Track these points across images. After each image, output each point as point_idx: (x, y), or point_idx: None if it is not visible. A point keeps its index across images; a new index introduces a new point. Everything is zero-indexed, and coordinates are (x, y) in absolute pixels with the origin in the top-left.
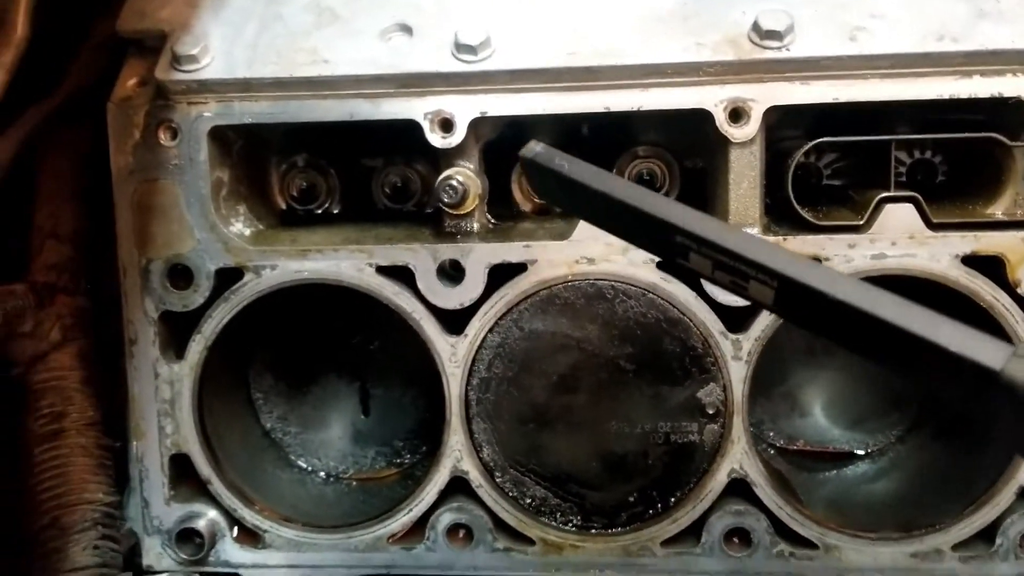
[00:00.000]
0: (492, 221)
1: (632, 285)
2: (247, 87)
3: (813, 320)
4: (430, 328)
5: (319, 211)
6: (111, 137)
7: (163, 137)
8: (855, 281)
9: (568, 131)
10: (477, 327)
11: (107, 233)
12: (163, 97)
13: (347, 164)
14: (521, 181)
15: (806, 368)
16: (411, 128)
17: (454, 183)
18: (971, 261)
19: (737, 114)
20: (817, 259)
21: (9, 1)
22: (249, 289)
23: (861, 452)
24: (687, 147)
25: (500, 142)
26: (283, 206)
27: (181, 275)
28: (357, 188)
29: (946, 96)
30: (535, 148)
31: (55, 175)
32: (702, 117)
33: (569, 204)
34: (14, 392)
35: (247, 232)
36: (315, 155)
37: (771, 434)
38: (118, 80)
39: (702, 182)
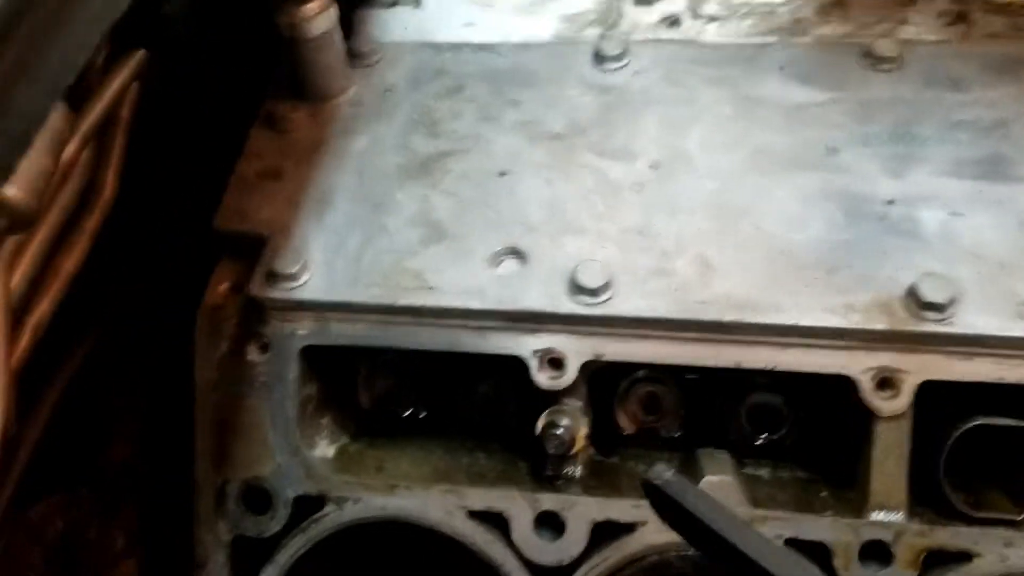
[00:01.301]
0: (596, 457)
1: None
2: (347, 309)
3: None
4: None
5: (405, 414)
6: (197, 346)
7: (252, 352)
8: None
9: None
10: None
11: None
12: (256, 311)
13: (438, 368)
14: (625, 404)
15: None
16: (516, 362)
17: (559, 432)
18: None
19: (886, 384)
20: (967, 554)
21: (101, 161)
22: (330, 521)
23: None
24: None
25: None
26: (367, 406)
27: (258, 499)
28: (447, 393)
29: None
30: (664, 475)
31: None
32: (844, 383)
33: (692, 539)
34: None
35: (330, 453)
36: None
37: None
38: (209, 284)
39: (838, 424)
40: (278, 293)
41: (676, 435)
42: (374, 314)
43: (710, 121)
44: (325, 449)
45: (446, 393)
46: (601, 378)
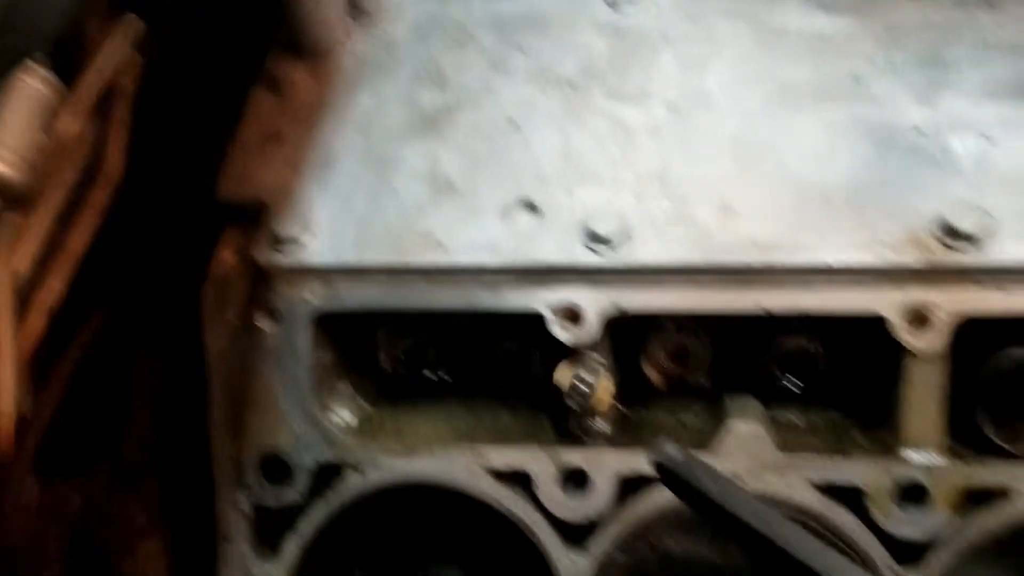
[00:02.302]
0: (622, 410)
1: (786, 508)
2: (355, 272)
3: None
4: (549, 542)
5: (427, 377)
6: (205, 318)
7: (262, 321)
8: None
9: None
10: (603, 544)
11: (197, 412)
12: (262, 278)
13: (460, 328)
14: (652, 356)
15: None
16: (537, 318)
17: (582, 389)
18: None
19: (920, 321)
20: (1007, 491)
21: (105, 135)
22: (351, 488)
23: None
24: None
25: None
26: (389, 370)
27: (277, 469)
28: (470, 353)
29: None
30: (668, 451)
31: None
32: (876, 322)
33: (703, 513)
34: None
35: (349, 420)
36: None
37: None
38: (215, 254)
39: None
40: (283, 258)
41: (706, 384)
42: (383, 276)
43: (729, 57)
44: (344, 416)
45: (470, 354)
46: (626, 329)
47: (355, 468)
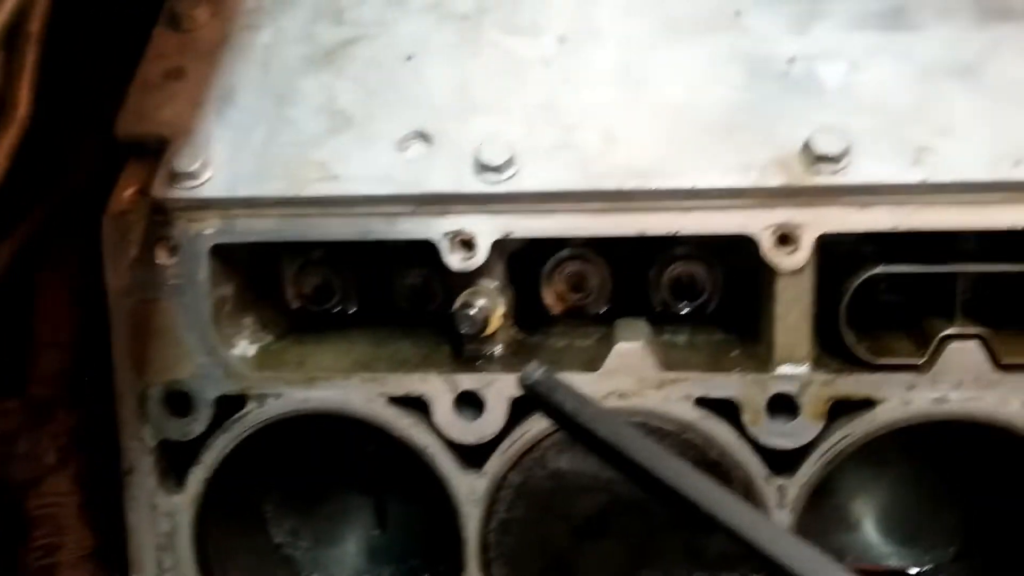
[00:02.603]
0: (519, 334)
1: (666, 423)
2: (251, 205)
3: None
4: (446, 464)
5: (335, 310)
6: (105, 254)
7: (161, 255)
8: None
9: None
10: (497, 465)
11: (105, 346)
12: (161, 213)
13: (365, 261)
14: (551, 283)
15: (857, 478)
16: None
17: (472, 312)
18: None
19: (785, 240)
20: (872, 401)
21: (12, 77)
22: (252, 419)
23: (914, 571)
24: (732, 256)
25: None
26: (295, 305)
27: (180, 402)
28: (375, 286)
29: (1020, 226)
30: (533, 374)
31: (54, 283)
32: (747, 241)
33: (570, 433)
34: (9, 518)
35: (251, 352)
36: (331, 251)
37: None
38: (115, 190)
39: (750, 284)
40: (181, 193)
41: (603, 311)
42: (280, 208)
43: None
44: (246, 348)
45: (375, 285)
46: (525, 258)
47: (256, 399)
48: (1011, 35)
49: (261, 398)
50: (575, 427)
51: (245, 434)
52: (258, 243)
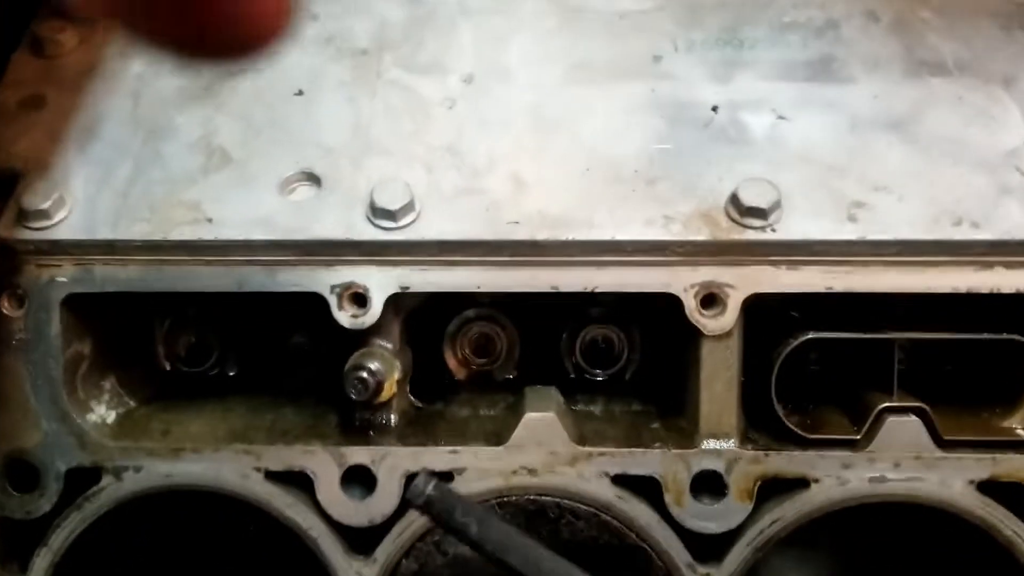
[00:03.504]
0: (416, 404)
1: (581, 503)
2: (111, 249)
3: None
4: (331, 549)
5: (211, 373)
6: None
7: (7, 306)
8: None
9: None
10: (390, 550)
11: None
12: (7, 256)
13: (245, 318)
14: (455, 346)
15: (780, 560)
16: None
17: (364, 376)
18: (988, 488)
19: (711, 300)
20: (805, 480)
21: None
22: (107, 496)
23: None
24: (652, 318)
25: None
26: (167, 367)
27: (24, 475)
28: (257, 346)
29: (963, 289)
30: (426, 490)
31: None
32: (669, 301)
33: (463, 542)
34: None
35: (110, 419)
36: (206, 305)
37: None
38: None
39: (672, 349)
40: (30, 234)
41: (512, 377)
42: (144, 253)
43: (531, 33)
44: (104, 415)
45: (257, 345)
46: (425, 316)
47: (113, 473)
48: (941, 89)
49: (118, 471)
50: (484, 553)
51: (99, 513)
52: (120, 294)
